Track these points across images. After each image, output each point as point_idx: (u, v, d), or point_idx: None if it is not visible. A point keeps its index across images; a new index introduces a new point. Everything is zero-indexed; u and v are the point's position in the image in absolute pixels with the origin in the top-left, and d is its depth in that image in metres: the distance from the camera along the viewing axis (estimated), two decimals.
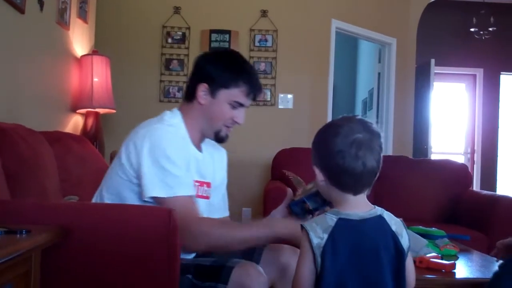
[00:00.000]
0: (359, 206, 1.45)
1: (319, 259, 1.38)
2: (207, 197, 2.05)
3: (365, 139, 1.41)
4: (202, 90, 1.98)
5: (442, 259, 2.25)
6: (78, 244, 1.64)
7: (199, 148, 2.06)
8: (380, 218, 1.45)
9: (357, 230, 1.41)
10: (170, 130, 1.92)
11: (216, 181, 2.13)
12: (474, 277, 2.18)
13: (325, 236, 1.39)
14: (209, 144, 2.13)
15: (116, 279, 1.66)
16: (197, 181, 1.99)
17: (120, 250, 1.65)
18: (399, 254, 1.43)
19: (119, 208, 1.72)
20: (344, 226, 1.40)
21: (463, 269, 2.27)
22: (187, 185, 1.87)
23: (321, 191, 1.55)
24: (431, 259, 2.17)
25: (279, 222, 1.86)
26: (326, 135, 1.46)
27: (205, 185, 2.05)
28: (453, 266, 2.15)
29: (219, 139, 2.05)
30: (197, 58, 2.07)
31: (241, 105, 2.00)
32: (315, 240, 1.39)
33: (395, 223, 1.46)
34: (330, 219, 1.42)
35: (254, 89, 2.01)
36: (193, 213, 1.83)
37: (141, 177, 1.83)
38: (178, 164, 1.85)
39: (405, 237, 1.46)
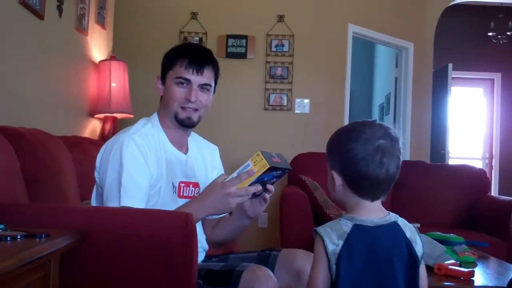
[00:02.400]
0: (374, 212, 1.43)
1: (334, 266, 1.37)
2: (193, 197, 2.03)
3: (387, 145, 1.40)
4: (157, 82, 2.08)
5: (460, 266, 2.23)
6: (95, 248, 1.66)
7: (182, 149, 2.08)
8: (395, 224, 1.43)
9: (372, 237, 1.40)
10: (129, 140, 1.91)
11: (208, 180, 2.11)
12: (493, 285, 2.16)
13: (340, 242, 1.37)
14: (200, 144, 2.18)
15: (133, 282, 1.66)
16: (182, 182, 2.02)
17: (137, 253, 1.66)
18: (413, 261, 1.41)
19: (136, 212, 1.73)
20: (359, 232, 1.39)
21: (481, 277, 2.25)
22: (136, 196, 1.84)
23: (335, 196, 1.51)
24: (450, 266, 2.15)
25: (196, 205, 1.85)
26: (347, 140, 1.43)
27: (191, 185, 2.06)
28: (472, 273, 2.13)
29: (179, 122, 2.02)
30: None
31: (186, 80, 1.99)
32: (330, 247, 1.37)
33: (409, 229, 1.45)
34: (345, 224, 1.40)
35: (193, 61, 1.99)
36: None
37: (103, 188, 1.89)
38: (132, 173, 1.85)
39: (419, 244, 1.44)
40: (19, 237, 1.39)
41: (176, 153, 2.04)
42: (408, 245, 1.42)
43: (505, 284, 2.04)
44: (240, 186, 1.80)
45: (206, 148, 2.21)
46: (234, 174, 1.82)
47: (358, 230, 1.39)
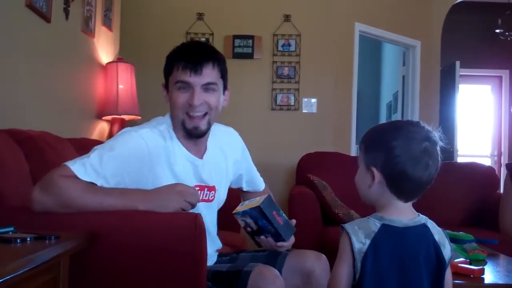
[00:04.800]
0: (404, 212, 1.42)
1: (359, 265, 1.36)
2: (207, 200, 2.00)
3: (431, 148, 1.39)
4: (163, 90, 1.97)
5: (470, 264, 2.23)
6: (105, 250, 1.66)
7: (199, 152, 1.99)
8: (424, 227, 1.42)
9: (400, 238, 1.39)
10: (142, 130, 1.88)
11: (230, 172, 2.12)
12: (503, 282, 2.15)
13: (367, 241, 1.36)
14: (218, 139, 2.07)
15: (142, 284, 1.66)
16: (196, 186, 1.93)
17: (146, 254, 1.66)
18: (440, 264, 1.40)
19: (145, 213, 1.73)
20: (387, 232, 1.38)
21: (491, 274, 2.24)
22: (87, 165, 1.72)
23: (367, 193, 1.47)
24: (459, 264, 2.15)
25: (141, 195, 1.74)
26: (391, 138, 1.39)
27: (206, 189, 1.99)
28: (482, 271, 2.12)
29: (187, 132, 1.91)
30: None
31: (186, 83, 1.86)
32: (357, 245, 1.37)
33: (438, 232, 1.44)
34: (373, 224, 1.39)
35: (189, 61, 1.85)
36: (61, 171, 1.71)
37: None
38: (108, 151, 1.77)
39: (447, 248, 1.44)
40: (28, 239, 1.40)
41: (190, 158, 1.95)
42: (436, 248, 1.41)
43: None
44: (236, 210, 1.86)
45: (225, 138, 2.11)
46: (245, 202, 1.91)
47: (386, 230, 1.38)
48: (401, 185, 1.40)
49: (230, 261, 2.06)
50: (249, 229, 1.88)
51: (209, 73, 1.88)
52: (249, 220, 1.85)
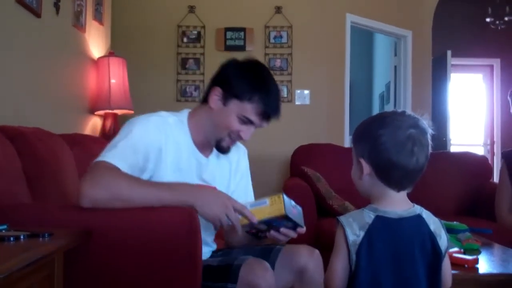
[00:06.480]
0: (398, 203, 1.43)
1: (354, 256, 1.37)
2: None
3: (418, 135, 1.38)
4: (216, 94, 1.91)
5: (464, 253, 2.23)
6: (99, 246, 1.65)
7: (206, 151, 2.00)
8: (419, 217, 1.42)
9: (394, 229, 1.39)
10: (153, 118, 1.87)
11: (230, 184, 2.09)
12: (498, 272, 2.16)
13: (362, 233, 1.37)
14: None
15: (138, 279, 1.66)
16: (197, 184, 1.90)
17: (141, 250, 1.66)
18: (436, 254, 1.41)
19: (140, 209, 1.73)
20: (381, 224, 1.38)
21: (486, 264, 2.24)
22: (120, 156, 1.73)
23: (360, 185, 1.48)
24: (454, 254, 2.15)
25: (187, 191, 1.71)
26: (378, 126, 1.41)
27: None
28: (476, 261, 2.12)
29: (219, 148, 1.96)
30: (224, 62, 1.99)
31: (250, 122, 1.90)
32: (351, 237, 1.37)
33: (433, 222, 1.44)
34: (367, 215, 1.40)
35: (268, 111, 1.90)
36: (104, 165, 1.70)
37: None
38: (131, 140, 1.78)
39: (443, 238, 1.44)
40: (22, 237, 1.39)
41: (197, 155, 1.96)
42: (431, 238, 1.41)
43: (510, 270, 2.03)
44: (243, 221, 1.72)
45: (234, 151, 2.07)
46: (248, 206, 1.72)
47: (380, 221, 1.39)
48: (388, 173, 1.40)
49: (223, 255, 2.04)
50: (253, 230, 1.80)
51: None
52: (261, 226, 1.77)
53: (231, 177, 2.11)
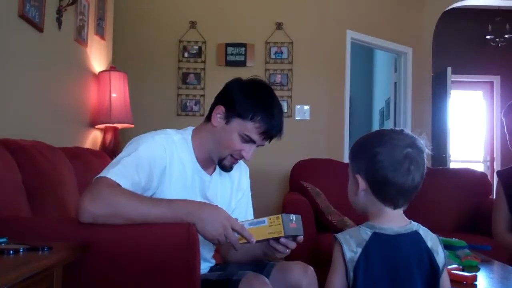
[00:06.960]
0: (395, 220, 1.43)
1: (351, 274, 1.37)
2: None
3: (414, 154, 1.39)
4: (218, 112, 1.92)
5: (463, 270, 2.23)
6: (98, 259, 1.65)
7: (209, 169, 2.01)
8: (416, 234, 1.42)
9: (392, 246, 1.39)
10: (158, 136, 1.88)
11: (232, 203, 2.09)
12: None
13: (359, 250, 1.37)
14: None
15: None
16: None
17: (139, 264, 1.66)
18: (434, 271, 1.41)
19: (138, 224, 1.73)
20: (378, 241, 1.39)
21: (485, 281, 2.24)
22: (123, 173, 1.72)
23: (356, 201, 1.48)
24: (452, 271, 2.14)
25: (188, 208, 1.69)
26: (375, 144, 1.42)
27: None
28: (475, 278, 2.12)
29: (222, 167, 1.96)
30: (229, 81, 2.00)
31: (252, 141, 1.90)
32: (348, 254, 1.38)
33: (431, 239, 1.44)
34: (364, 232, 1.40)
35: (271, 130, 1.90)
36: (105, 181, 1.69)
37: None
38: (135, 158, 1.77)
39: (440, 254, 1.44)
40: (21, 250, 1.39)
41: (200, 173, 1.97)
42: (429, 255, 1.41)
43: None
44: (241, 241, 1.70)
45: (236, 168, 2.07)
46: (246, 225, 1.71)
47: (377, 238, 1.39)
48: (383, 190, 1.41)
49: (220, 269, 2.05)
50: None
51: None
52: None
53: (232, 195, 2.11)
